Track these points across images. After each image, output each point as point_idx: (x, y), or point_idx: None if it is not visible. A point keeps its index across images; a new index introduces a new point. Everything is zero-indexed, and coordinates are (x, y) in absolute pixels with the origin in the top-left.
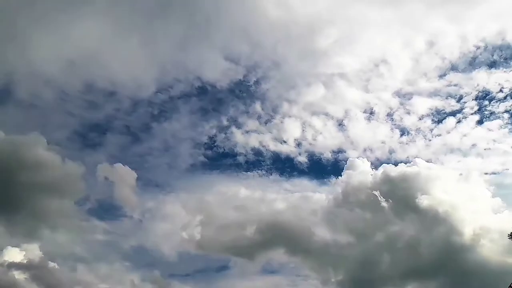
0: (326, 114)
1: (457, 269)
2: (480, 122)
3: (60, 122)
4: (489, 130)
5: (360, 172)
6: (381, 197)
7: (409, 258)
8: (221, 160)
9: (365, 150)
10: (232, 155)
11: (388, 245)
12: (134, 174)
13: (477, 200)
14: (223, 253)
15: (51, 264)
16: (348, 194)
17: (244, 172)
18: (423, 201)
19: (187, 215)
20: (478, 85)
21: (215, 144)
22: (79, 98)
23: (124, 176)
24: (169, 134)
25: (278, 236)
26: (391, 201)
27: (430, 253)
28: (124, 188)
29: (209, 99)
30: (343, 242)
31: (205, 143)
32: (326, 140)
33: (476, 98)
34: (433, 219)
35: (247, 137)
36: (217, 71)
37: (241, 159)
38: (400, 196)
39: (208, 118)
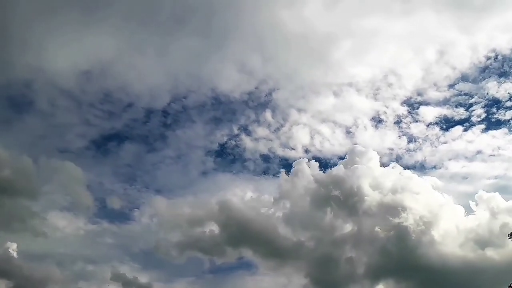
0: (335, 122)
1: (414, 267)
2: (486, 129)
3: (78, 132)
4: (494, 137)
5: (306, 174)
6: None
7: (367, 258)
8: (230, 166)
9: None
10: (241, 160)
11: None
12: (80, 170)
13: (429, 197)
14: (229, 255)
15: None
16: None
17: (252, 176)
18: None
19: (194, 218)
20: (487, 94)
21: (225, 151)
22: (96, 108)
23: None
24: (182, 142)
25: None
26: (338, 202)
27: (387, 252)
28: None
29: (222, 109)
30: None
31: (216, 150)
32: (333, 147)
33: (485, 106)
34: (389, 219)
35: (256, 144)
36: (230, 82)
37: (249, 164)
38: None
39: (220, 127)
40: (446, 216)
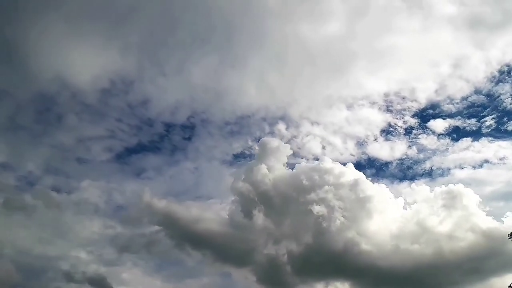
0: (346, 134)
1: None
2: (494, 139)
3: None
4: (501, 147)
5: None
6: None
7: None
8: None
9: (381, 166)
10: None
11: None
12: None
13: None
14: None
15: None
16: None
17: None
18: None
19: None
20: (500, 106)
21: (238, 160)
22: (119, 122)
23: None
24: (200, 154)
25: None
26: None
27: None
28: None
29: (239, 123)
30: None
31: (230, 160)
32: (343, 157)
33: (496, 117)
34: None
35: None
36: (248, 97)
37: None
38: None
39: (236, 139)
40: (385, 212)
